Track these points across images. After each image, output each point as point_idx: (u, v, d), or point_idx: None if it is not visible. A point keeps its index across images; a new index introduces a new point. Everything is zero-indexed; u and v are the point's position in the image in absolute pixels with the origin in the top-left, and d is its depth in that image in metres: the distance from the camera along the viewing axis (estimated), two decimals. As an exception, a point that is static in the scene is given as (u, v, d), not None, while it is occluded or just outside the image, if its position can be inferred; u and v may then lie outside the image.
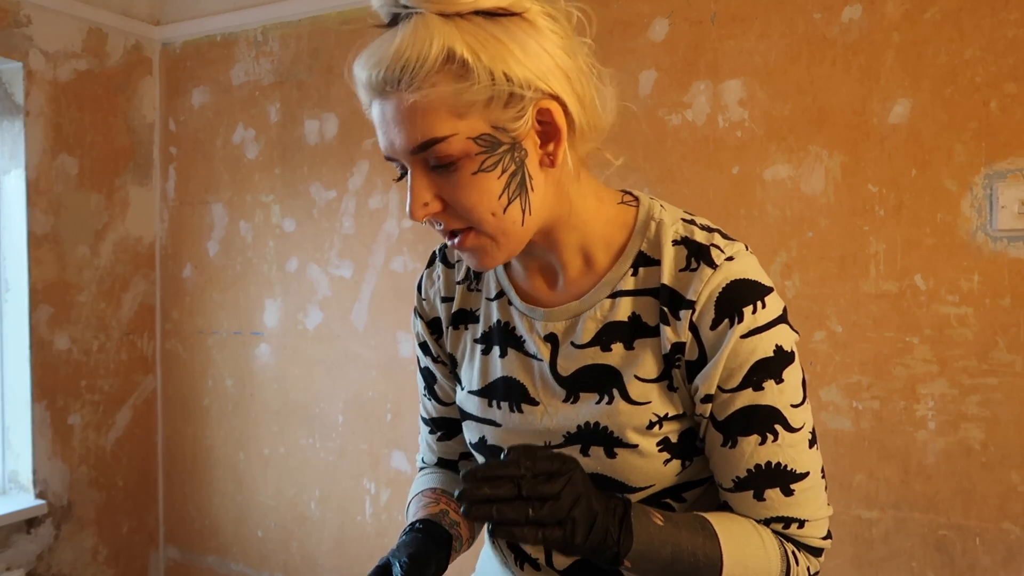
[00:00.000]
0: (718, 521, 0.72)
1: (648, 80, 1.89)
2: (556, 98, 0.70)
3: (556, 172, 0.73)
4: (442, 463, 0.97)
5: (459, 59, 0.65)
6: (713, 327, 0.71)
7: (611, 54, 1.93)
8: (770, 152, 1.76)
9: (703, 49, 1.83)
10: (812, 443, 0.74)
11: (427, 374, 0.93)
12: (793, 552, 0.74)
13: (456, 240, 0.72)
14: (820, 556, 0.76)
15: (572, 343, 0.77)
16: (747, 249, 0.75)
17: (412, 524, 0.80)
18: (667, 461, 0.74)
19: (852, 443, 1.70)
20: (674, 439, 0.74)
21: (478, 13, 0.67)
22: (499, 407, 0.82)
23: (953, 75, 1.60)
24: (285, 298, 2.42)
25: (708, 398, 0.72)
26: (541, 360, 0.79)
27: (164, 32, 2.60)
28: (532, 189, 0.71)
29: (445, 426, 0.94)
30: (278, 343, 2.44)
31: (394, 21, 0.68)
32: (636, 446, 0.73)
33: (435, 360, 0.91)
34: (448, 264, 0.89)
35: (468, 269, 0.88)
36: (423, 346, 0.92)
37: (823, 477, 0.75)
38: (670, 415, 0.74)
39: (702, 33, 1.83)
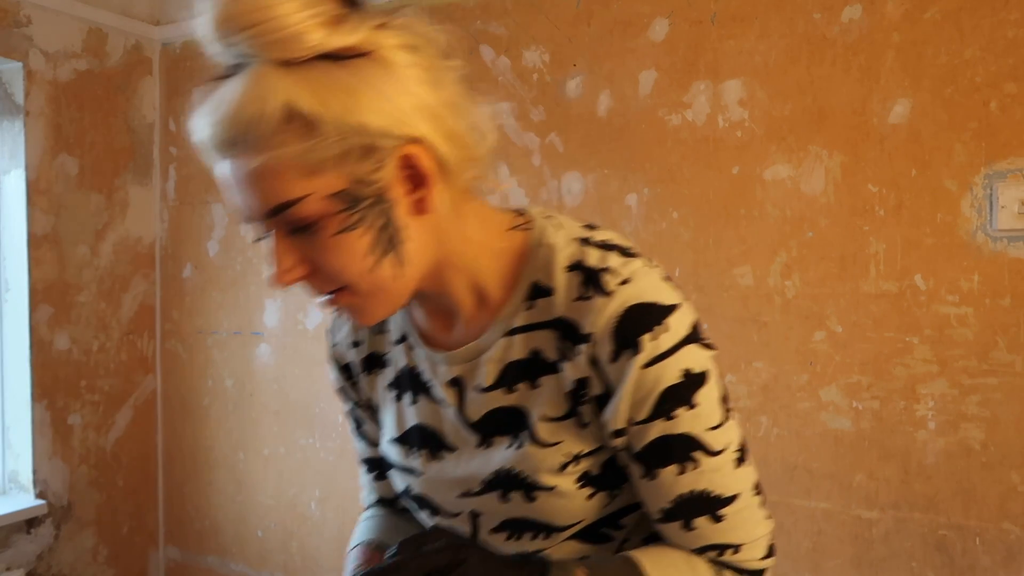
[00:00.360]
0: (648, 559, 0.69)
1: (648, 80, 1.89)
2: (420, 141, 0.63)
3: (430, 216, 0.66)
4: (383, 502, 0.94)
5: (303, 114, 0.58)
6: (613, 360, 0.66)
7: (611, 54, 1.93)
8: (770, 152, 1.76)
9: (703, 49, 1.83)
10: (740, 461, 0.70)
11: (353, 416, 0.90)
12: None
13: (331, 300, 0.67)
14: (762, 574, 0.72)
15: (477, 387, 0.73)
16: (649, 264, 0.70)
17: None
18: (591, 495, 0.71)
19: (852, 443, 1.70)
20: (596, 471, 0.71)
21: (323, 58, 0.60)
22: (418, 455, 0.78)
23: (953, 75, 1.60)
24: (285, 298, 2.42)
25: (619, 432, 0.68)
26: (449, 406, 0.75)
27: (164, 32, 2.60)
28: (404, 240, 0.65)
29: (379, 465, 0.91)
30: (278, 343, 2.44)
31: (233, 70, 0.61)
32: (553, 488, 0.70)
33: (356, 404, 0.88)
34: None
35: None
36: (341, 391, 0.89)
37: (757, 493, 0.71)
38: (584, 453, 0.70)
39: (702, 33, 1.83)
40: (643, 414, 0.66)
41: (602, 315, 0.66)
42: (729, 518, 0.69)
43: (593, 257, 0.68)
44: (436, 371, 0.76)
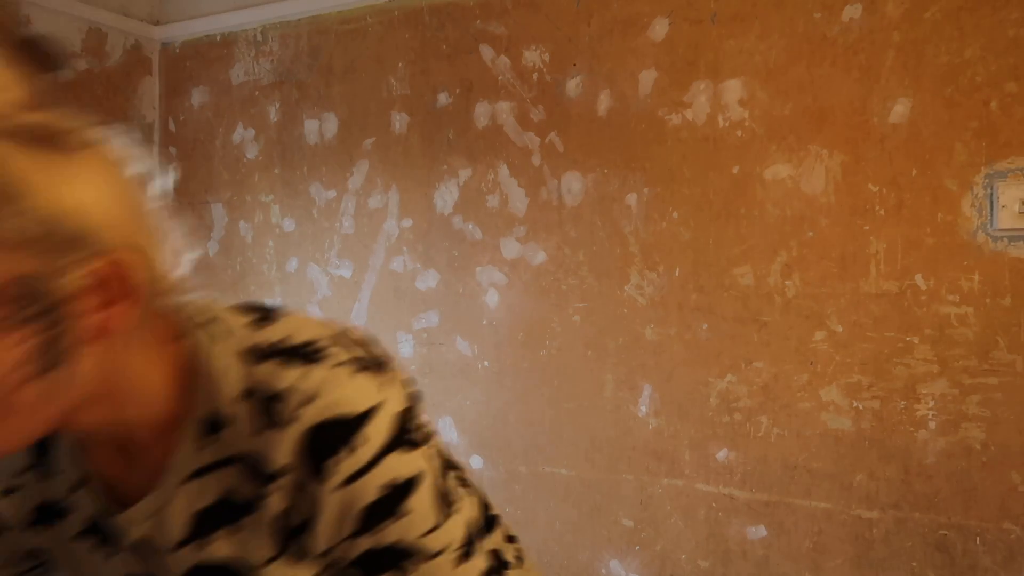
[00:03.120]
0: None
1: (648, 80, 1.89)
2: (127, 252, 0.54)
3: (106, 342, 0.55)
4: None
5: None
6: (302, 489, 0.59)
7: (611, 54, 1.93)
8: (770, 152, 1.76)
9: (703, 49, 1.83)
10: (464, 557, 0.64)
11: None
12: None
13: None
14: None
15: (168, 546, 0.63)
16: (335, 359, 0.60)
17: None
18: None
19: (852, 443, 1.70)
20: None
21: (20, 135, 0.51)
22: None
23: (953, 74, 1.60)
24: (285, 298, 2.42)
25: (327, 552, 0.62)
26: (151, 562, 0.65)
27: (164, 32, 2.60)
28: (67, 364, 0.53)
29: None
30: (278, 343, 2.43)
31: None
32: None
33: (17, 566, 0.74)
34: None
35: (34, 450, 0.69)
36: None
37: (497, 569, 0.67)
38: None
39: (702, 33, 1.83)
40: (346, 531, 0.60)
41: (284, 447, 0.58)
42: None
43: (264, 377, 0.60)
44: (124, 529, 0.64)
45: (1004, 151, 1.56)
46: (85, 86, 2.41)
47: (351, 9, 2.28)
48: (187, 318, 0.63)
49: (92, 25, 2.42)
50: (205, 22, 2.52)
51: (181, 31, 2.57)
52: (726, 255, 1.81)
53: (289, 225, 2.41)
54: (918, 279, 1.64)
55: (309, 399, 0.58)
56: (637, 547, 1.92)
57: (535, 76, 2.02)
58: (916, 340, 1.64)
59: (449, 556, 0.63)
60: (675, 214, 1.86)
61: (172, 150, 2.63)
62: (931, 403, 1.63)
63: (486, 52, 2.08)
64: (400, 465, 0.60)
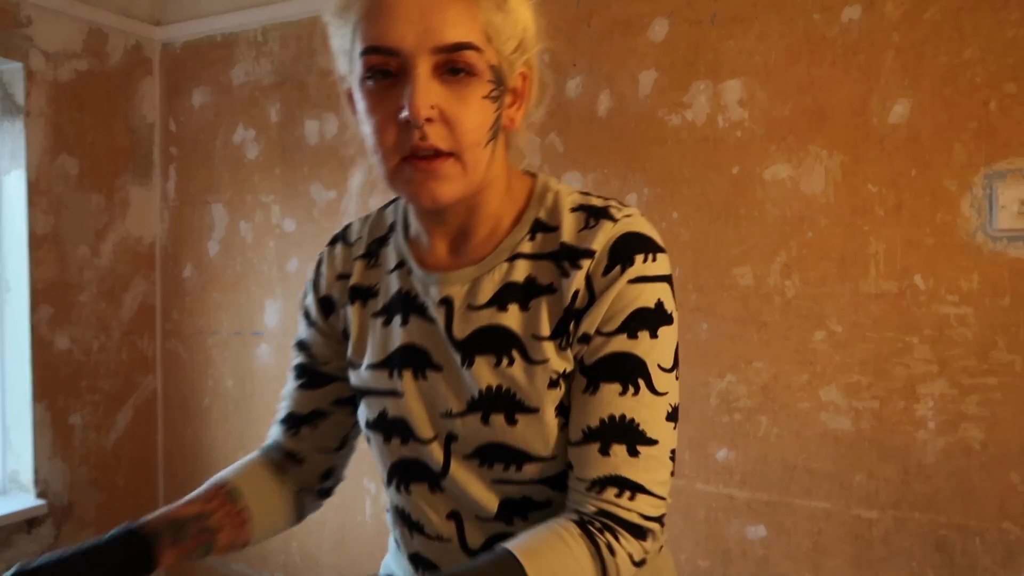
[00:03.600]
0: (521, 548, 0.67)
1: (648, 80, 1.89)
2: (531, 68, 0.74)
3: (506, 135, 0.76)
4: (285, 452, 0.94)
5: None
6: (605, 273, 0.71)
7: (611, 54, 1.93)
8: (770, 152, 1.76)
9: (703, 49, 1.83)
10: (671, 418, 0.72)
11: (306, 343, 0.91)
12: (608, 545, 0.69)
13: (428, 160, 0.69)
14: (646, 540, 0.71)
15: (470, 305, 0.76)
16: (643, 216, 0.77)
17: (121, 529, 0.78)
18: (564, 424, 0.74)
19: (852, 443, 1.70)
20: (569, 403, 0.74)
21: None
22: (401, 376, 0.79)
23: (953, 75, 1.60)
24: (285, 298, 2.42)
25: (585, 338, 0.72)
26: (439, 324, 0.78)
27: (164, 32, 2.60)
28: (496, 141, 0.73)
29: (297, 423, 0.92)
30: (278, 343, 2.44)
31: None
32: (537, 410, 0.73)
33: (318, 331, 0.90)
34: (348, 243, 0.89)
35: (369, 246, 0.87)
36: (307, 317, 0.91)
37: (672, 460, 0.73)
38: (567, 371, 0.73)
39: (702, 33, 1.83)
40: (612, 325, 0.71)
41: (607, 234, 0.72)
42: (643, 458, 0.70)
43: (596, 201, 0.76)
44: (429, 292, 0.79)
45: (1003, 151, 1.56)
46: (86, 86, 2.41)
47: (351, 9, 2.28)
48: (540, 174, 0.82)
49: (93, 26, 2.43)
50: (206, 23, 2.52)
51: (182, 32, 2.57)
52: (726, 255, 1.81)
53: (289, 225, 2.41)
54: (917, 279, 1.64)
55: (626, 216, 0.74)
56: (637, 547, 1.92)
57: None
58: (916, 340, 1.64)
59: (665, 403, 0.72)
60: (675, 214, 1.87)
61: (173, 150, 2.63)
62: (930, 403, 1.63)
63: (486, 52, 2.08)
64: (669, 298, 0.73)
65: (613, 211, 0.74)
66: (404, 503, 0.83)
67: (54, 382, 2.35)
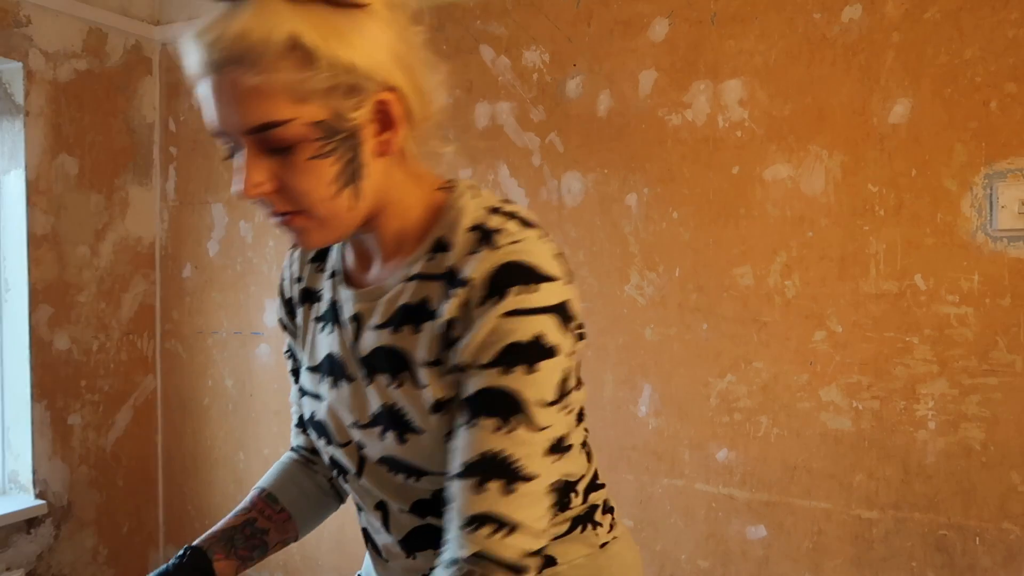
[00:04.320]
0: None
1: (648, 80, 1.89)
2: (395, 89, 0.71)
3: (388, 160, 0.74)
4: (301, 448, 1.00)
5: (304, 46, 0.65)
6: (480, 303, 0.70)
7: (611, 54, 1.93)
8: (770, 152, 1.76)
9: (703, 49, 1.83)
10: (554, 450, 0.71)
11: (292, 352, 0.96)
12: None
13: (282, 219, 0.72)
14: (524, 573, 0.70)
15: (373, 324, 0.79)
16: (546, 239, 0.74)
17: (183, 551, 0.87)
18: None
19: (852, 443, 1.70)
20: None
21: (324, 1, 0.67)
22: (325, 382, 0.84)
23: (953, 75, 1.60)
24: (285, 298, 2.42)
25: (460, 369, 0.71)
26: (350, 339, 0.81)
27: (164, 32, 2.60)
28: (364, 177, 0.72)
29: (304, 424, 0.97)
30: (278, 343, 2.44)
31: None
32: (423, 432, 0.74)
33: (294, 338, 0.94)
34: None
35: (319, 251, 0.91)
36: (281, 323, 0.96)
37: (552, 492, 0.72)
38: (447, 399, 0.73)
39: (702, 33, 1.83)
40: (486, 358, 0.69)
41: (485, 263, 0.71)
42: (519, 495, 0.69)
43: (494, 221, 0.74)
44: (346, 306, 0.82)
45: (1004, 151, 1.56)
46: (86, 86, 2.41)
47: (351, 9, 2.28)
48: (457, 180, 0.81)
49: (92, 25, 2.42)
50: (205, 22, 2.52)
51: (181, 31, 2.57)
52: (726, 255, 1.81)
53: (289, 225, 2.41)
54: (918, 279, 1.64)
55: (516, 242, 0.71)
56: (637, 547, 1.92)
57: (535, 76, 2.02)
58: (916, 340, 1.64)
59: (546, 438, 0.70)
60: (675, 214, 1.87)
61: (172, 150, 2.63)
62: (931, 403, 1.63)
63: (486, 52, 2.08)
64: (552, 330, 0.70)
65: (499, 237, 0.72)
66: (348, 489, 0.90)
67: (53, 382, 2.34)
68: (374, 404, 0.78)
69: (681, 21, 1.85)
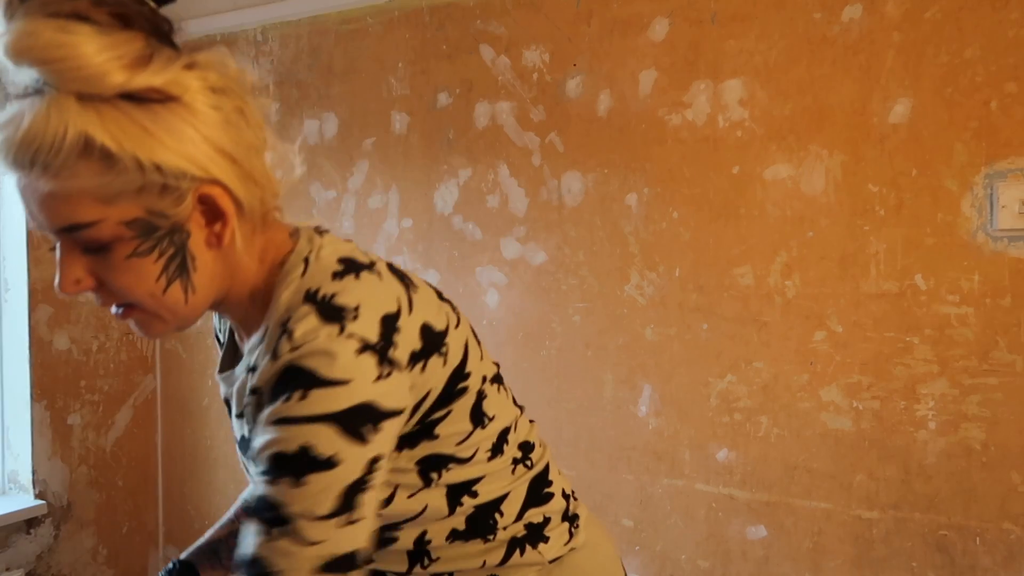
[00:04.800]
0: None
1: (648, 80, 1.89)
2: (218, 182, 0.67)
3: (224, 249, 0.70)
4: None
5: (99, 148, 0.60)
6: (265, 407, 0.68)
7: (611, 54, 1.93)
8: (770, 152, 1.76)
9: (703, 49, 1.83)
10: (328, 569, 0.65)
11: None
12: None
13: (118, 312, 0.70)
14: None
15: (234, 412, 0.79)
16: (351, 326, 0.67)
17: (171, 564, 0.90)
18: None
19: (852, 443, 1.70)
20: None
21: (124, 97, 0.62)
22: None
23: (953, 75, 1.60)
24: (285, 298, 2.42)
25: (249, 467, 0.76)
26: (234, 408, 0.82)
27: (164, 32, 2.59)
28: (195, 269, 0.68)
29: None
30: (278, 343, 2.43)
31: (31, 91, 0.62)
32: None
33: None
34: None
35: None
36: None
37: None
38: None
39: (702, 33, 1.83)
40: (261, 466, 0.66)
41: (269, 370, 0.68)
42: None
43: (296, 318, 0.68)
44: (222, 387, 0.84)
45: (1004, 151, 1.56)
46: (85, 86, 2.41)
47: (351, 9, 2.28)
48: (299, 240, 0.76)
49: (92, 25, 2.42)
50: (205, 22, 2.52)
51: (181, 31, 2.56)
52: (726, 255, 1.81)
53: (289, 225, 2.41)
54: (918, 279, 1.64)
55: (298, 347, 0.67)
56: (637, 547, 1.92)
57: (535, 76, 2.02)
58: (916, 340, 1.64)
59: (316, 554, 0.65)
60: (675, 214, 1.86)
61: (172, 150, 2.63)
62: (931, 403, 1.63)
63: (486, 52, 2.08)
64: (326, 440, 0.65)
65: (283, 345, 0.67)
66: None
67: (53, 382, 2.34)
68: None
69: (681, 21, 1.85)
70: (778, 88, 1.75)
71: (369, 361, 0.66)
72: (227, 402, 0.84)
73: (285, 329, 0.68)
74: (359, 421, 0.65)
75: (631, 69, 1.90)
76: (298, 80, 2.38)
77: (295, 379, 0.65)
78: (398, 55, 2.22)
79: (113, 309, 0.70)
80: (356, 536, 0.67)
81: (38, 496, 2.31)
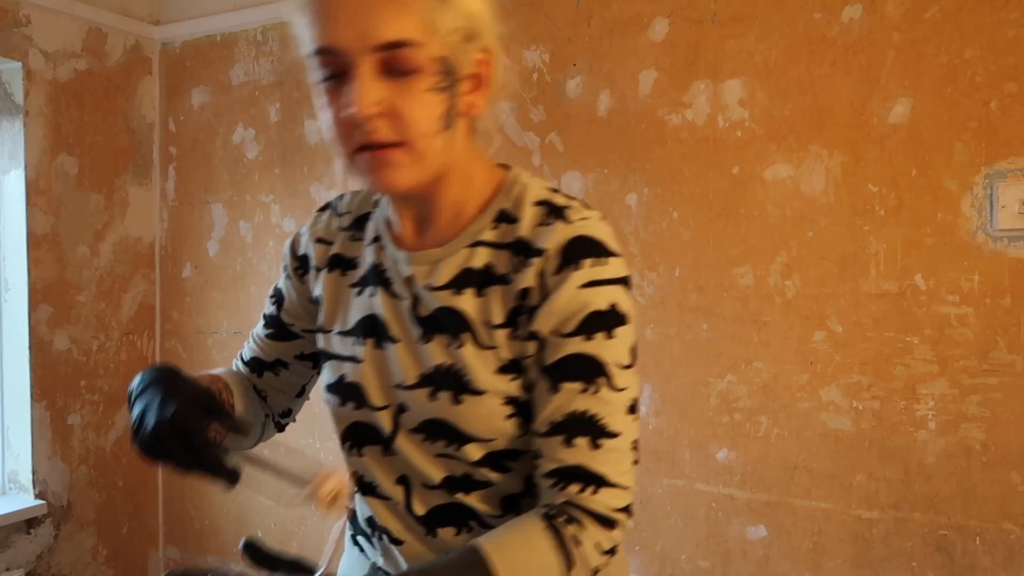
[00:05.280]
0: (490, 544, 0.71)
1: (648, 80, 1.89)
2: (490, 52, 0.75)
3: (468, 122, 0.77)
4: (254, 365, 0.99)
5: None
6: (556, 273, 0.74)
7: (611, 54, 1.93)
8: (770, 152, 1.76)
9: (703, 49, 1.83)
10: (631, 411, 0.75)
11: (282, 293, 0.96)
12: (574, 536, 0.72)
13: (375, 151, 0.71)
14: (614, 529, 0.74)
15: (430, 285, 0.79)
16: (603, 220, 0.78)
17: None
18: (510, 416, 0.77)
19: (852, 443, 1.70)
20: (522, 397, 0.77)
21: None
22: (363, 344, 0.84)
23: (953, 75, 1.60)
24: (285, 298, 2.42)
25: (536, 336, 0.75)
26: (404, 299, 0.82)
27: (164, 32, 2.60)
28: (452, 128, 0.74)
29: (261, 368, 0.98)
30: (278, 343, 2.44)
31: None
32: (482, 393, 0.76)
33: (293, 287, 0.94)
34: (337, 213, 0.93)
35: (355, 220, 0.90)
36: (285, 270, 0.95)
37: (634, 450, 0.76)
38: (516, 360, 0.76)
39: (702, 33, 1.83)
40: (568, 328, 0.73)
41: (558, 235, 0.74)
42: (605, 451, 0.74)
43: (560, 200, 0.78)
44: (398, 268, 0.83)
45: (1004, 151, 1.56)
46: (85, 86, 2.41)
47: (351, 9, 2.28)
48: (507, 163, 0.84)
49: (92, 25, 2.42)
50: (205, 22, 2.52)
51: (181, 31, 2.57)
52: (726, 255, 1.81)
53: (289, 225, 2.41)
54: (918, 279, 1.64)
55: (582, 219, 0.76)
56: (637, 547, 1.92)
57: (535, 76, 2.02)
58: (916, 340, 1.64)
59: (625, 399, 0.75)
60: (675, 214, 1.86)
61: (172, 150, 2.63)
62: (931, 403, 1.63)
63: (486, 52, 2.08)
64: (623, 299, 0.75)
65: (570, 212, 0.76)
66: (358, 465, 0.87)
67: (53, 382, 2.34)
68: (428, 364, 0.78)
69: (681, 21, 1.85)
70: (778, 88, 1.75)
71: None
72: (378, 283, 0.83)
73: (552, 207, 0.77)
74: (630, 288, 0.77)
75: (631, 69, 1.90)
76: (298, 80, 2.38)
77: (589, 248, 0.74)
78: (398, 55, 2.22)
79: (363, 152, 0.71)
80: (638, 384, 0.78)
81: (38, 496, 2.31)
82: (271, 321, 0.97)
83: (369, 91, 0.68)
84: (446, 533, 0.82)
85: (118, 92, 2.52)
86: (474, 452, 0.78)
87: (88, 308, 2.44)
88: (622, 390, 0.74)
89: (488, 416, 0.76)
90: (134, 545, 2.60)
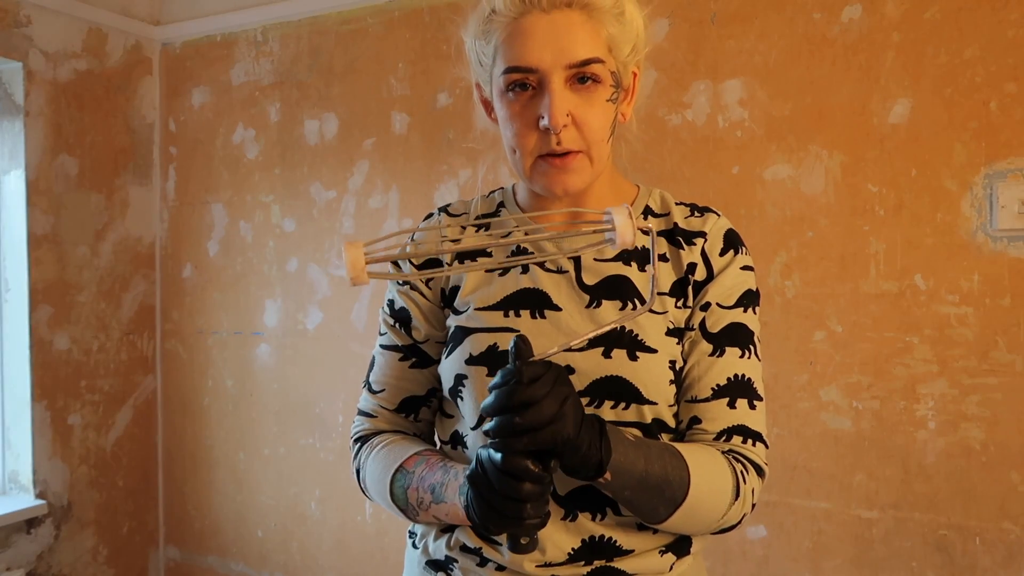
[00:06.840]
0: (680, 446, 0.80)
1: (648, 80, 1.88)
2: (639, 66, 0.87)
3: (617, 130, 0.87)
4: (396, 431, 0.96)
5: (624, 7, 0.82)
6: (721, 254, 0.87)
7: (611, 54, 1.93)
8: (770, 152, 1.76)
9: (703, 49, 1.83)
10: (761, 380, 0.88)
11: (405, 327, 0.94)
12: (742, 472, 0.82)
13: (562, 158, 0.81)
14: (763, 478, 0.84)
15: (596, 259, 0.87)
16: None
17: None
18: (671, 382, 0.84)
19: (852, 443, 1.70)
20: (680, 364, 0.85)
21: None
22: (519, 315, 0.87)
23: (953, 75, 1.60)
24: (285, 298, 2.42)
25: (706, 307, 0.86)
26: (565, 272, 0.87)
27: (164, 32, 2.60)
28: (614, 135, 0.85)
29: (416, 405, 0.95)
30: (278, 343, 2.44)
31: None
32: (656, 352, 0.82)
33: (418, 302, 0.94)
34: (452, 215, 0.98)
35: (479, 217, 0.96)
36: (411, 289, 0.94)
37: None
38: (682, 327, 0.86)
39: (702, 33, 1.83)
40: (730, 300, 0.86)
41: (716, 225, 0.89)
42: (758, 411, 0.85)
43: (685, 200, 0.93)
44: (559, 246, 0.90)
45: (1004, 151, 1.56)
46: (85, 86, 2.41)
47: (351, 9, 2.28)
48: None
49: (92, 25, 2.42)
50: (205, 22, 2.52)
51: (182, 31, 2.57)
52: (726, 255, 1.81)
53: (289, 225, 2.41)
54: (918, 279, 1.64)
55: (719, 215, 0.91)
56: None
57: (535, 76, 2.02)
58: (916, 340, 1.64)
59: (762, 367, 0.88)
60: (675, 214, 1.87)
61: (172, 150, 2.63)
62: (931, 403, 1.63)
63: (486, 52, 2.08)
64: (755, 284, 0.91)
65: (706, 210, 0.91)
66: None
67: (53, 382, 2.35)
68: (600, 325, 0.83)
69: (681, 21, 1.85)
70: (778, 88, 1.75)
71: None
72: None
73: (694, 207, 0.91)
74: None
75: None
76: (298, 80, 2.38)
77: (739, 239, 0.90)
78: (398, 55, 2.22)
79: (549, 158, 0.81)
80: None
81: (38, 496, 2.31)
82: (410, 351, 0.94)
83: (562, 104, 0.78)
84: (585, 517, 0.83)
85: (118, 92, 2.52)
86: (636, 415, 0.82)
87: (88, 308, 2.44)
88: (760, 361, 0.87)
89: (659, 375, 0.82)
90: (134, 545, 2.60)
